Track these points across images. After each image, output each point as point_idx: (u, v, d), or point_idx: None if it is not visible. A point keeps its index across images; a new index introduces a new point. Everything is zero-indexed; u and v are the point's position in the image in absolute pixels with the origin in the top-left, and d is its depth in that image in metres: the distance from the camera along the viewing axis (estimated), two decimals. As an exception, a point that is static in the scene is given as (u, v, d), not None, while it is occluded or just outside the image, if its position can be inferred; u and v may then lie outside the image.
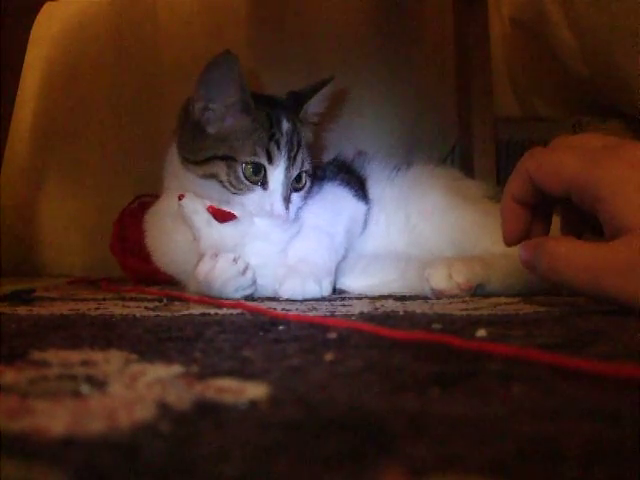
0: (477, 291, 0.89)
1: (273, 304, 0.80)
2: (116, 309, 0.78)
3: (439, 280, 0.86)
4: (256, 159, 0.90)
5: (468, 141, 1.44)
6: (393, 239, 1.09)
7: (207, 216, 0.91)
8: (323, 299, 0.89)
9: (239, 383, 0.38)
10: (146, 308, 0.79)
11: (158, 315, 0.71)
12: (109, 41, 1.61)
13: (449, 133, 1.56)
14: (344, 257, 1.02)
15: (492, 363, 0.41)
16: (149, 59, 1.60)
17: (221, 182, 0.91)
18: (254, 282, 0.88)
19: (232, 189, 0.91)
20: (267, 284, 0.92)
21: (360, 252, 1.07)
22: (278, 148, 0.92)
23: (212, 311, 0.73)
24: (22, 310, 0.78)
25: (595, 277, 0.58)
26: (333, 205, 1.03)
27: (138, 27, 1.61)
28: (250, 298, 0.89)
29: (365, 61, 1.61)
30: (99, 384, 0.38)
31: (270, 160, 0.91)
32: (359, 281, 1.01)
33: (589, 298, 0.63)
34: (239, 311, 0.73)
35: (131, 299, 0.93)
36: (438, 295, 0.87)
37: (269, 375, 0.40)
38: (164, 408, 0.33)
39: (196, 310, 0.75)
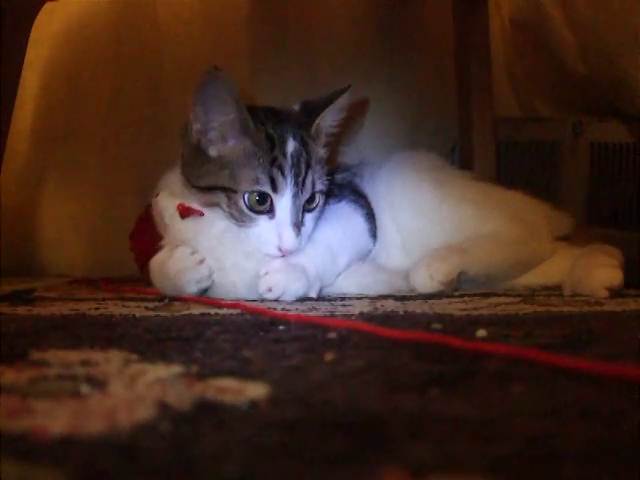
0: (461, 277, 0.91)
1: (273, 304, 0.80)
2: (116, 309, 0.78)
3: (421, 283, 0.90)
4: (259, 188, 0.83)
5: (468, 141, 1.44)
6: (386, 243, 1.06)
7: (173, 212, 0.89)
8: (323, 299, 0.89)
9: (239, 383, 0.38)
10: (146, 308, 0.79)
11: (158, 315, 0.71)
12: (109, 41, 1.61)
13: (449, 133, 1.56)
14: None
15: (492, 363, 0.41)
16: (149, 59, 1.60)
17: (224, 212, 0.85)
18: (210, 276, 0.86)
19: (235, 221, 0.85)
20: (242, 284, 0.87)
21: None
22: (282, 174, 0.84)
23: (212, 311, 0.73)
24: (22, 310, 0.78)
25: None
26: (344, 226, 0.98)
27: (138, 27, 1.60)
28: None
29: (365, 61, 1.61)
30: (99, 384, 0.38)
31: (274, 188, 0.83)
32: (353, 283, 1.00)
33: None
34: (239, 311, 0.73)
35: (131, 299, 0.93)
36: (440, 295, 0.89)
37: (269, 375, 0.40)
38: (164, 408, 0.33)
39: (196, 310, 0.75)
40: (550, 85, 1.65)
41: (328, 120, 0.93)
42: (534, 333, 0.53)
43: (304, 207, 0.87)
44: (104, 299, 0.94)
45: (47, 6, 1.43)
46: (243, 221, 0.84)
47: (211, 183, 0.85)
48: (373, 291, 0.94)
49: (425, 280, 0.90)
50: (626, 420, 0.30)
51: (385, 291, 0.94)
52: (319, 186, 0.88)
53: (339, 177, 1.06)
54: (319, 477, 0.24)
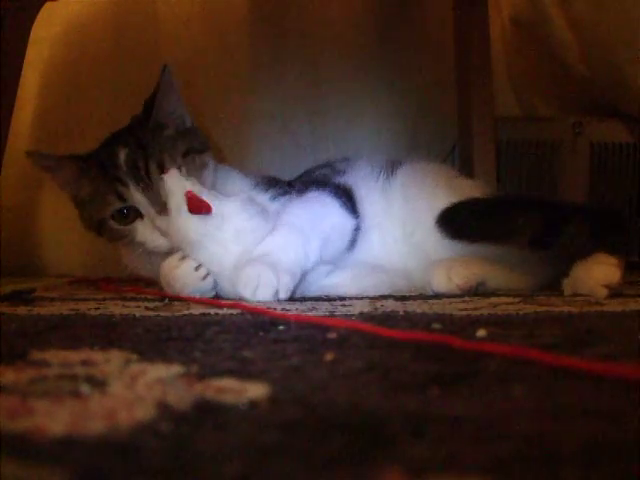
0: (479, 288, 0.92)
1: (273, 304, 0.80)
2: (116, 309, 0.78)
3: (439, 282, 0.92)
4: (114, 207, 0.93)
5: (468, 141, 1.44)
6: (389, 248, 1.05)
7: (181, 201, 0.86)
8: (323, 299, 0.89)
9: (239, 383, 0.38)
10: (146, 308, 0.79)
11: (158, 315, 0.71)
12: (109, 41, 1.61)
13: (449, 133, 1.56)
14: (315, 266, 0.91)
15: (492, 363, 0.41)
16: (149, 59, 1.60)
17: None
18: (214, 287, 0.89)
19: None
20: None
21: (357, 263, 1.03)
22: (122, 183, 0.92)
23: (212, 311, 0.73)
24: (22, 310, 0.78)
25: None
26: (315, 209, 0.96)
27: (138, 27, 1.61)
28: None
29: (365, 61, 1.61)
30: (99, 384, 0.38)
31: (121, 198, 0.92)
32: (358, 284, 0.98)
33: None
34: (239, 311, 0.73)
35: (131, 299, 0.93)
36: (440, 295, 0.89)
37: (269, 375, 0.40)
38: (164, 408, 0.33)
39: (196, 310, 0.75)
40: (550, 85, 1.65)
41: (165, 107, 0.97)
42: (534, 333, 0.53)
43: (190, 170, 0.93)
44: (104, 299, 0.94)
45: (47, 6, 1.43)
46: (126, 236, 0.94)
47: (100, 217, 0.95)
48: (373, 291, 0.94)
49: (443, 280, 0.91)
50: (626, 420, 0.30)
51: (385, 291, 0.94)
52: (181, 148, 0.94)
53: (318, 173, 1.10)
54: (319, 477, 0.24)
